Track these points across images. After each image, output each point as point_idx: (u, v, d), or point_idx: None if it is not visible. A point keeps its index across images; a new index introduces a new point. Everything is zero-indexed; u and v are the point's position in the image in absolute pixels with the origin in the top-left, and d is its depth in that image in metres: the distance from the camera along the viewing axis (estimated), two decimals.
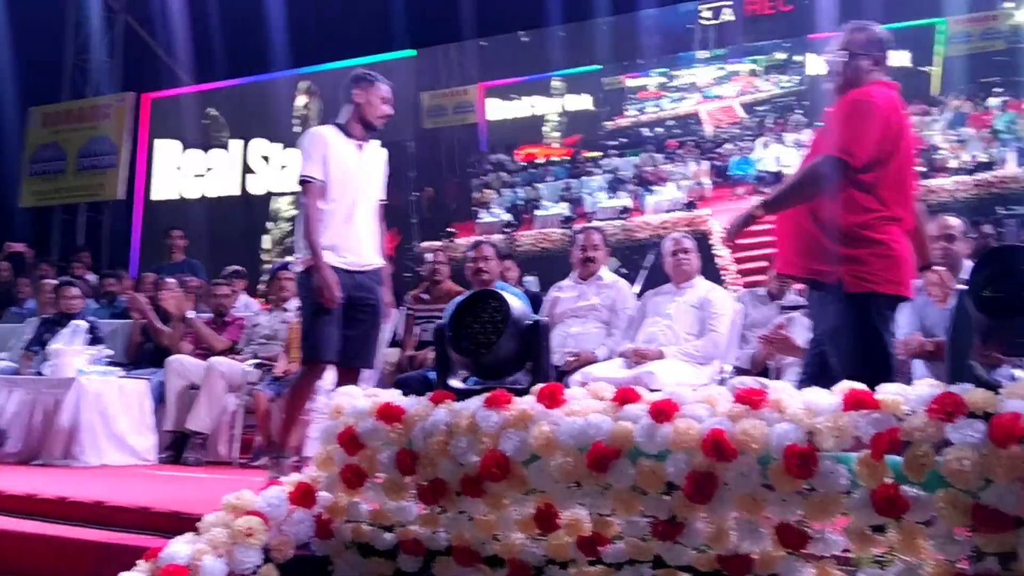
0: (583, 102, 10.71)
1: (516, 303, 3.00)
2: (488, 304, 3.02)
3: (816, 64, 9.31)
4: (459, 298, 3.30)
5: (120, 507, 3.61)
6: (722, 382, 4.53)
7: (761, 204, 3.51)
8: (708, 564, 2.38)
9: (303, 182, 4.24)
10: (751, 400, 2.37)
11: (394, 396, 2.97)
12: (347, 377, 4.21)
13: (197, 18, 12.48)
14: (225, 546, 2.72)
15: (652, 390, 2.68)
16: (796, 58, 9.70)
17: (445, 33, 10.89)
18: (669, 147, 10.06)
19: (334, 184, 4.24)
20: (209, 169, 11.96)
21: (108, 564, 3.01)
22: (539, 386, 2.71)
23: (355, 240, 4.29)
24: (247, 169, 11.63)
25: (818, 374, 3.29)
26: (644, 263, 8.20)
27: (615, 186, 10.13)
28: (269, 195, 11.48)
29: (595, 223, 8.92)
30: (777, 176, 8.97)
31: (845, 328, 3.31)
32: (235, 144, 11.71)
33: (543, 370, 2.96)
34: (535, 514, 2.58)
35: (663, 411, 2.41)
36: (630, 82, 10.47)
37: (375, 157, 4.49)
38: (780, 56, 9.85)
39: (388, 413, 2.84)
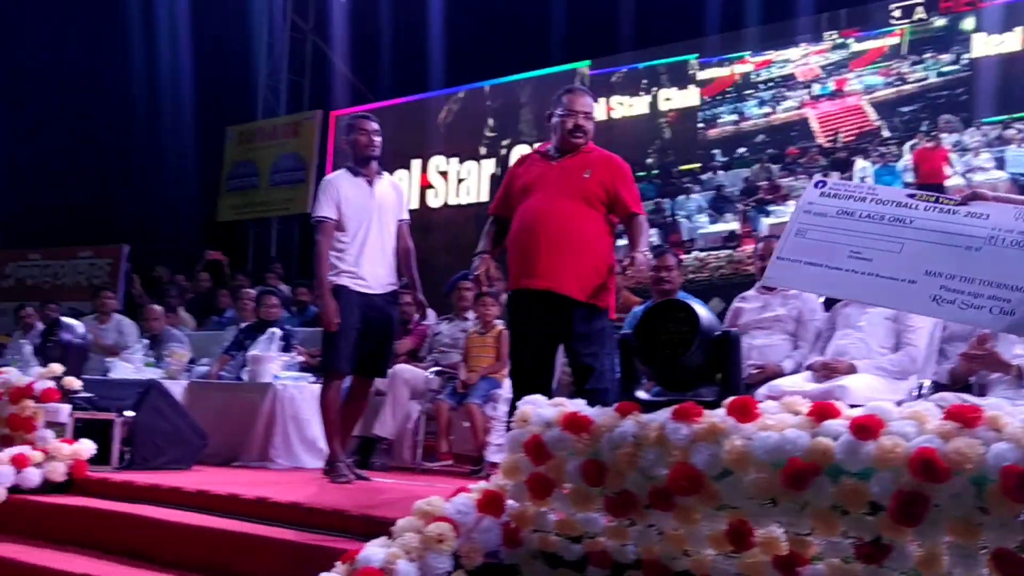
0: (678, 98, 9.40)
1: (704, 313, 2.94)
2: (675, 314, 2.97)
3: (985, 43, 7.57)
4: (643, 307, 3.26)
5: (316, 509, 3.75)
6: (919, 398, 4.30)
7: None
8: None
9: (317, 222, 4.93)
10: (965, 417, 2.24)
11: (580, 406, 2.96)
12: (361, 385, 5.08)
13: (378, 36, 13.01)
14: (417, 551, 2.78)
15: (852, 406, 2.57)
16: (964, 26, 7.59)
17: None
18: (788, 156, 8.56)
19: (347, 220, 4.91)
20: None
21: (304, 564, 3.13)
22: (730, 399, 2.64)
23: (368, 267, 4.93)
24: (427, 184, 11.85)
25: None
26: None
27: (720, 206, 8.80)
28: (446, 208, 11.64)
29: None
30: (939, 189, 7.51)
31: None
32: (415, 160, 11.91)
33: (734, 383, 2.88)
34: (728, 530, 2.52)
35: (867, 428, 2.30)
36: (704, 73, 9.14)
37: (386, 188, 5.10)
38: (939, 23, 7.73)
39: (574, 423, 2.83)
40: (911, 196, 3.30)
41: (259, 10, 13.68)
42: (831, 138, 8.42)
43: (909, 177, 7.89)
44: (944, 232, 3.08)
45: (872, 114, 8.27)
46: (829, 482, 2.33)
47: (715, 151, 9.23)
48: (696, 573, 2.60)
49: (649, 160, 9.60)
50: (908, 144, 8.00)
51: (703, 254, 8.78)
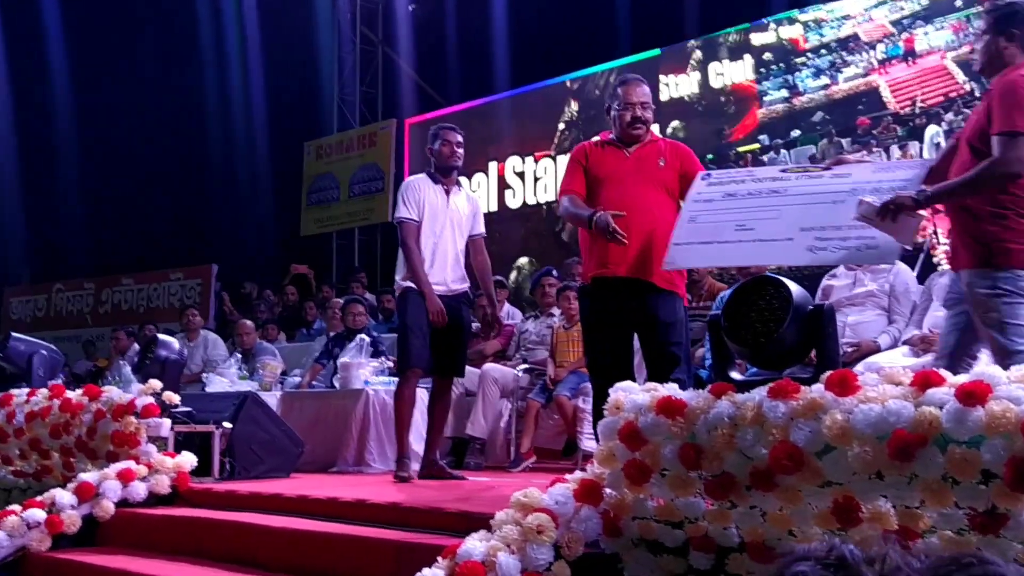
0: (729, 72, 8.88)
1: (796, 289, 2.88)
2: (765, 291, 2.91)
3: None
4: (732, 288, 3.20)
5: (414, 508, 3.78)
6: None
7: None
8: None
9: (400, 223, 5.10)
10: None
11: (673, 390, 2.91)
12: (442, 385, 5.19)
13: (446, 43, 13.09)
14: (517, 543, 2.77)
15: None
16: None
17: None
18: (859, 127, 7.91)
19: (423, 224, 5.06)
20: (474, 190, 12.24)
21: (405, 562, 3.15)
22: (828, 373, 2.57)
23: (439, 271, 5.05)
24: (504, 185, 11.82)
25: None
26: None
27: None
28: (525, 207, 11.60)
29: None
30: None
31: None
32: (492, 162, 11.87)
33: (831, 358, 2.81)
34: (833, 507, 2.45)
35: (973, 394, 2.22)
36: (758, 37, 8.41)
37: (462, 202, 5.21)
38: None
39: (668, 407, 2.79)
40: (784, 171, 3.67)
41: (329, 26, 13.92)
42: (907, 106, 7.71)
43: None
44: (813, 194, 3.41)
45: (959, 75, 7.46)
46: (937, 452, 2.25)
47: (762, 136, 8.62)
48: None
49: (700, 142, 9.28)
50: None
51: None
